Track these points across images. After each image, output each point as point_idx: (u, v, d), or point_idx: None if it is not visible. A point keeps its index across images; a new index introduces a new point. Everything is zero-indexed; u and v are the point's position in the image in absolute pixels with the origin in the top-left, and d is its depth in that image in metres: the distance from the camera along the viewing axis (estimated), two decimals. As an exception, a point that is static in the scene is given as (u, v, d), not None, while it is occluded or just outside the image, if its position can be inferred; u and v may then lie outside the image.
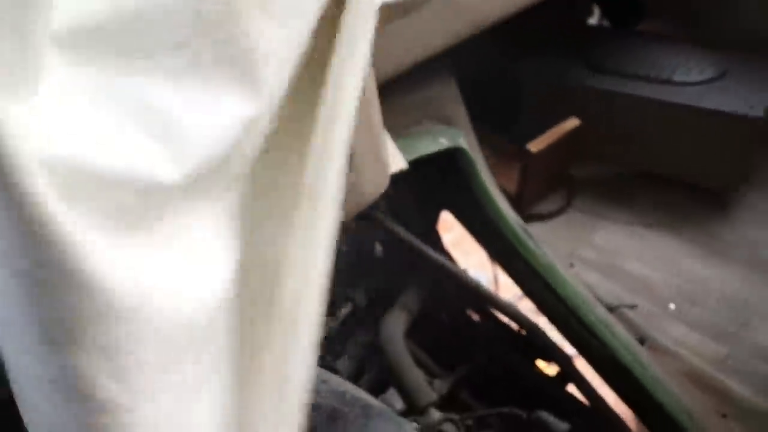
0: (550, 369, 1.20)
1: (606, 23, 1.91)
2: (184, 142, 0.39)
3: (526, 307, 1.20)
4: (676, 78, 1.44)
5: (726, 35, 1.61)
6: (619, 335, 0.98)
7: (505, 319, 1.19)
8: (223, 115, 0.41)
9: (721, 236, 1.34)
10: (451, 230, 1.47)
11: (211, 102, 0.41)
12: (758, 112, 1.33)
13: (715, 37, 1.62)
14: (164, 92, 0.40)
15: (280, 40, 0.44)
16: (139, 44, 0.40)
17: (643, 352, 0.98)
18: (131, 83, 0.40)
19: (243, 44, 0.41)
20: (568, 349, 1.11)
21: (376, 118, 0.80)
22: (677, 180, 1.43)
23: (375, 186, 0.81)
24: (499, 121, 1.50)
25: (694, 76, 1.44)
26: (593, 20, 1.93)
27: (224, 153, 0.41)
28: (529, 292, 1.13)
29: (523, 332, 1.14)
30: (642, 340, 1.06)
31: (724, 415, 0.98)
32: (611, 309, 1.10)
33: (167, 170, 0.39)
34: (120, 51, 0.40)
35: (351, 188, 0.77)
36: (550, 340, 1.11)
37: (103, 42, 0.40)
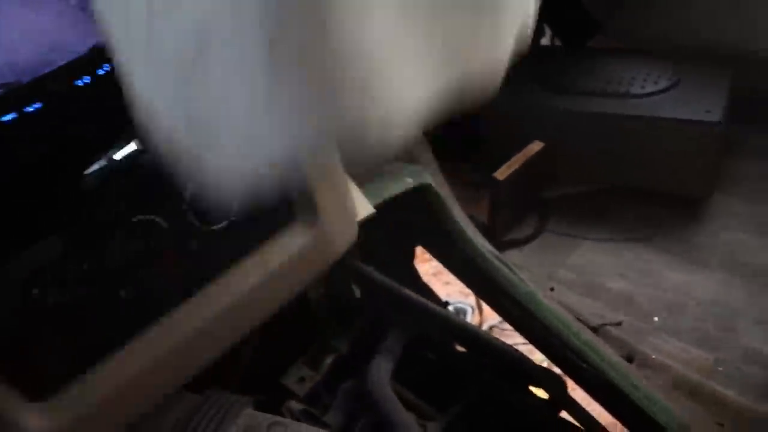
0: (541, 393, 1.18)
1: (557, 42, 1.93)
2: None
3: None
4: (633, 90, 1.46)
5: (675, 45, 1.63)
6: (606, 356, 0.96)
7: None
8: None
9: (697, 243, 1.34)
10: (430, 260, 1.46)
11: None
12: (715, 116, 1.35)
13: (665, 47, 1.64)
14: None
15: None
16: None
17: (633, 371, 0.97)
18: None
19: None
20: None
21: (337, 168, 0.80)
22: (648, 192, 1.43)
23: (344, 237, 0.80)
24: (462, 151, 1.51)
25: (650, 87, 1.46)
26: (545, 40, 1.95)
27: None
28: (512, 322, 1.11)
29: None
30: (630, 358, 1.05)
31: (721, 425, 0.97)
32: (596, 329, 1.09)
33: None
34: None
35: (319, 243, 0.76)
36: (538, 367, 1.10)
37: None
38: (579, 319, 1.06)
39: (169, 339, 0.66)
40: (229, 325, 0.70)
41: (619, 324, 1.14)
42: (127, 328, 0.65)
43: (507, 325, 1.30)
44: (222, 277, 0.70)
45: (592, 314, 1.16)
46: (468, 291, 1.46)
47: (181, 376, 0.69)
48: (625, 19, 1.76)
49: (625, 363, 0.99)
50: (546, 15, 1.81)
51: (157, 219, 0.65)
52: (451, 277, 1.43)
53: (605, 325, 1.13)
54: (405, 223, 1.20)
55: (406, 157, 1.13)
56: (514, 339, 1.43)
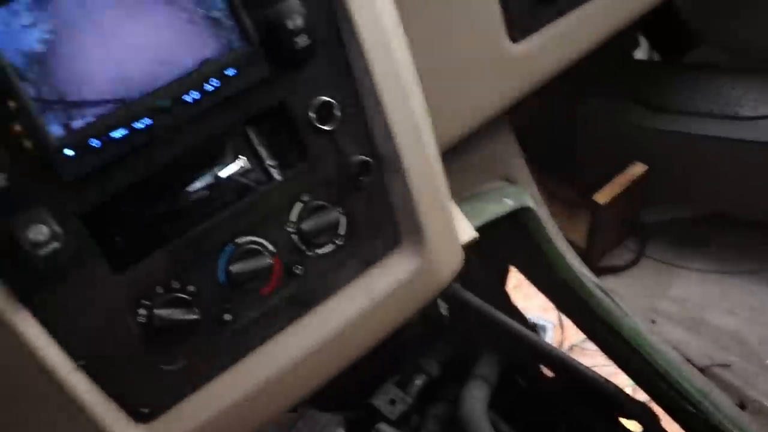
0: (632, 426, 1.13)
1: (655, 56, 1.85)
2: None
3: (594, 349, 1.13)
4: (743, 112, 1.37)
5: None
6: (716, 401, 0.90)
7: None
8: None
9: (812, 280, 1.25)
10: (509, 272, 1.40)
11: None
12: (838, 142, 1.25)
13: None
14: None
15: None
16: None
17: (746, 419, 0.91)
18: None
19: None
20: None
21: (443, 191, 0.76)
22: (755, 221, 1.34)
23: (451, 263, 0.76)
24: (561, 168, 1.45)
25: (763, 109, 1.37)
26: (640, 53, 1.87)
27: None
28: (612, 355, 1.06)
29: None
30: (743, 405, 0.98)
31: None
32: (702, 369, 1.03)
33: None
34: None
35: (427, 269, 0.73)
36: (629, 398, 1.05)
37: None
38: (684, 357, 1.00)
39: (273, 364, 0.65)
40: (334, 353, 0.68)
41: (727, 366, 1.07)
42: (231, 353, 0.63)
43: (589, 344, 1.25)
44: (327, 303, 0.68)
45: (698, 353, 1.09)
46: (549, 306, 1.40)
47: (285, 403, 0.67)
48: (732, 29, 1.66)
49: (738, 410, 0.93)
50: (641, 24, 1.72)
51: (262, 241, 0.63)
52: (531, 291, 1.38)
53: (713, 366, 1.06)
54: (499, 244, 1.16)
55: (506, 176, 1.09)
56: (595, 359, 1.37)
